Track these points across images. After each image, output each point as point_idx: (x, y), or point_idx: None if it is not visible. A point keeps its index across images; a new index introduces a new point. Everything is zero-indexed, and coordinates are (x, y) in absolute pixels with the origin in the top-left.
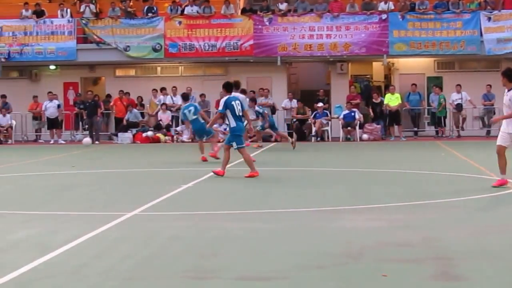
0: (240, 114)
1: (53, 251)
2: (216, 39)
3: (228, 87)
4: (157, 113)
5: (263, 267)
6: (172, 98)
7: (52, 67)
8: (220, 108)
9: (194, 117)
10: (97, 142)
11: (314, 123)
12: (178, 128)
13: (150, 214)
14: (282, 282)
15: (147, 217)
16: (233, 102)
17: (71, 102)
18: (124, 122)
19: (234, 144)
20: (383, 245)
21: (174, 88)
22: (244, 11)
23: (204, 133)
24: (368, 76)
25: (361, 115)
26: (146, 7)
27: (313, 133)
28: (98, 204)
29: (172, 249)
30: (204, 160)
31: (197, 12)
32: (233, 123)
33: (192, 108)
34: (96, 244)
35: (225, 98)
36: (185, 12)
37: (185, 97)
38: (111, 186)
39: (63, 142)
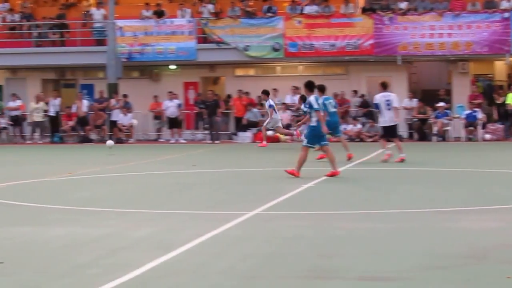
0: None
1: (174, 249)
2: (336, 38)
3: (311, 87)
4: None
5: (384, 267)
6: (291, 97)
7: (172, 66)
8: (316, 106)
9: (334, 110)
10: (217, 141)
11: (435, 122)
12: (300, 128)
13: (271, 213)
14: (403, 283)
15: (268, 217)
16: (326, 102)
17: (192, 102)
18: (244, 121)
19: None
20: (507, 246)
21: (294, 88)
22: (364, 10)
23: (335, 131)
24: (490, 75)
25: (484, 115)
26: (265, 7)
27: (435, 132)
28: (219, 203)
29: (292, 249)
30: (350, 157)
31: (317, 11)
32: (314, 122)
33: (332, 101)
34: (217, 243)
35: (313, 97)
36: (305, 11)
37: (322, 88)
38: (232, 185)
39: (183, 141)
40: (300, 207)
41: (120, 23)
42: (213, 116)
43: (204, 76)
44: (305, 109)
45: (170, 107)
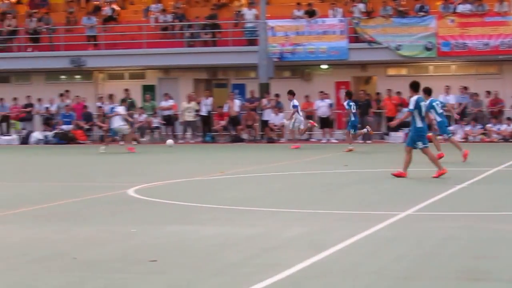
0: (424, 115)
1: (326, 249)
2: (489, 37)
3: (416, 87)
4: (427, 112)
5: None
6: (444, 97)
7: (324, 66)
8: (411, 107)
9: (441, 111)
10: (368, 141)
11: None
12: (452, 128)
13: (423, 214)
14: None
15: (421, 217)
16: (421, 103)
17: (343, 101)
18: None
19: (419, 144)
20: None
21: (446, 87)
22: None
23: (444, 131)
24: None
25: None
26: (417, 6)
27: None
28: (371, 204)
29: (445, 250)
30: (441, 156)
31: (470, 10)
32: (419, 123)
33: (439, 102)
34: (369, 243)
35: (415, 97)
36: (458, 10)
37: (428, 91)
38: (384, 186)
39: (335, 141)
40: (453, 208)
41: (271, 23)
42: (364, 116)
43: (355, 75)
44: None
45: (322, 107)
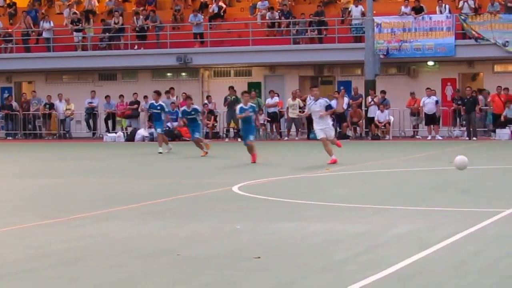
0: None
1: (431, 246)
2: None
3: None
4: None
5: None
6: None
7: (430, 63)
8: None
9: None
10: (474, 138)
11: None
12: None
13: None
14: None
15: None
16: None
17: (449, 98)
18: (502, 118)
19: None
20: None
21: None
22: None
23: None
24: None
25: None
26: None
27: None
28: (477, 200)
29: None
30: None
31: None
32: None
33: None
34: (476, 241)
35: None
36: None
37: None
38: (491, 183)
39: (440, 138)
40: None
41: (378, 19)
42: (471, 112)
43: (462, 72)
44: None
45: (428, 104)
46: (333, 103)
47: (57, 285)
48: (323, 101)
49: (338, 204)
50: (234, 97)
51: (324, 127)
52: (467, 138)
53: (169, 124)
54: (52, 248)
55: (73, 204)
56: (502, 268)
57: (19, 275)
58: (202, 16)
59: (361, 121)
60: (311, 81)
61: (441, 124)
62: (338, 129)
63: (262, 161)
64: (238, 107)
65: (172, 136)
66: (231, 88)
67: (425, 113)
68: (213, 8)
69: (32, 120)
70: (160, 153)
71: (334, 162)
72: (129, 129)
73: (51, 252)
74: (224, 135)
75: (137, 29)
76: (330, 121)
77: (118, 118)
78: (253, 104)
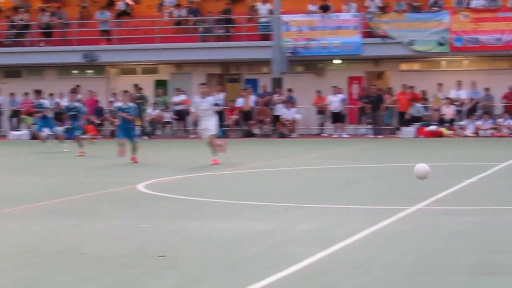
0: None
1: (336, 244)
2: (502, 32)
3: None
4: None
5: None
6: (456, 92)
7: (337, 61)
8: None
9: None
10: (380, 136)
11: None
12: (463, 122)
13: (433, 208)
14: None
15: (430, 212)
16: None
17: (355, 96)
18: (408, 116)
19: None
20: None
21: (458, 82)
22: None
23: None
24: None
25: None
26: (431, 1)
27: None
28: (380, 198)
29: (455, 244)
30: None
31: (483, 5)
32: None
33: None
34: (379, 238)
35: None
36: (471, 5)
37: None
38: (393, 180)
39: (346, 136)
40: (463, 202)
41: (285, 17)
42: (376, 110)
43: (368, 70)
44: None
45: (334, 102)
46: (240, 100)
47: None
48: (211, 99)
49: (243, 202)
50: (138, 94)
51: (205, 127)
52: (372, 136)
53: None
54: None
55: None
56: (406, 264)
57: None
58: (109, 13)
59: (267, 119)
60: (219, 79)
61: (347, 122)
62: (245, 127)
63: (168, 159)
64: (116, 105)
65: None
66: (135, 86)
67: (331, 111)
68: (120, 5)
69: None
70: (66, 151)
71: (215, 163)
72: (34, 127)
73: None
74: None
75: (42, 26)
76: (215, 120)
77: (22, 116)
78: (133, 105)
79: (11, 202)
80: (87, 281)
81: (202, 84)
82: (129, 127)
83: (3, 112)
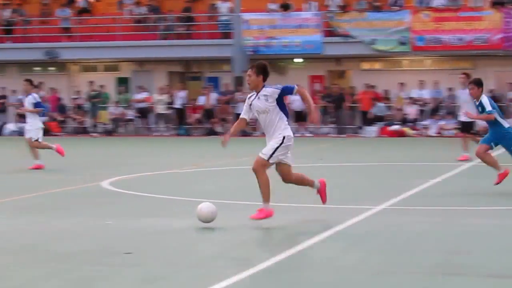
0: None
1: (301, 243)
2: (463, 32)
3: (480, 84)
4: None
5: None
6: (418, 91)
7: (298, 60)
8: (489, 108)
9: None
10: (343, 135)
11: None
12: (426, 122)
13: (398, 208)
14: None
15: (395, 211)
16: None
17: (318, 95)
18: (370, 115)
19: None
20: None
21: (421, 82)
22: (493, 4)
23: None
24: None
25: None
26: (392, 0)
27: None
28: (346, 198)
29: (419, 244)
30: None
31: (444, 4)
32: (506, 124)
33: None
34: (344, 238)
35: (486, 97)
36: (432, 5)
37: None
38: (359, 180)
39: (309, 134)
40: (428, 202)
41: (246, 16)
42: (339, 109)
43: (330, 69)
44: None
45: (296, 101)
46: (202, 99)
47: None
48: (31, 97)
49: (205, 200)
50: (94, 92)
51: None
52: (335, 135)
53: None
54: None
55: None
56: (370, 264)
57: None
58: (70, 11)
59: (230, 117)
60: (180, 76)
61: (308, 121)
62: (207, 125)
63: (132, 157)
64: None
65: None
66: (91, 83)
67: (293, 110)
68: (80, 2)
69: None
70: None
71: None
72: None
73: None
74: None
75: (3, 22)
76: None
77: None
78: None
79: None
80: (54, 277)
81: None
82: None
83: None
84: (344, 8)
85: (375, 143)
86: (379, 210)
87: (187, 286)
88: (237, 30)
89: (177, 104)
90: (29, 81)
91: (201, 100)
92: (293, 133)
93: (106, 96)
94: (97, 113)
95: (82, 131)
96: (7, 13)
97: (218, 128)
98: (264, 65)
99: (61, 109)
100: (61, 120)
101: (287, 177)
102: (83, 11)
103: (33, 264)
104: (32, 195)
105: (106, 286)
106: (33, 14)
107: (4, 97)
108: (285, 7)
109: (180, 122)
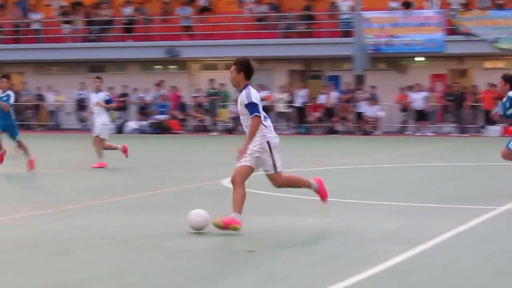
0: None
1: (423, 243)
2: None
3: (508, 80)
4: None
5: None
6: None
7: (419, 58)
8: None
9: None
10: (465, 134)
11: None
12: None
13: None
14: None
15: None
16: None
17: (439, 94)
18: (492, 115)
19: None
20: None
21: None
22: None
23: None
24: None
25: None
26: None
27: None
28: (468, 198)
29: None
30: None
31: None
32: None
33: None
34: (467, 238)
35: None
36: None
37: None
38: (481, 180)
39: (430, 134)
40: None
41: (367, 14)
42: (460, 109)
43: (452, 68)
44: None
45: (417, 99)
46: (323, 97)
47: (49, 275)
48: (103, 94)
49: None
50: (213, 90)
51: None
52: (457, 134)
53: (158, 116)
54: (44, 238)
55: (62, 196)
56: (494, 266)
57: (11, 265)
58: (191, 9)
59: (350, 116)
60: (300, 75)
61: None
62: (327, 124)
63: None
64: None
65: (161, 128)
66: (212, 81)
67: (414, 109)
68: (201, 1)
69: (22, 112)
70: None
71: (100, 166)
72: (119, 121)
73: (44, 242)
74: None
75: (125, 21)
76: (106, 118)
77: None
78: (9, 93)
79: (97, 195)
80: (176, 274)
81: (97, 78)
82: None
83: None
84: (467, 6)
85: (498, 143)
86: (504, 211)
87: (309, 285)
88: (358, 28)
89: (298, 103)
90: (100, 78)
91: (322, 99)
92: (414, 132)
93: (226, 95)
94: (216, 111)
95: (202, 129)
96: (128, 10)
97: (339, 127)
98: (246, 61)
99: (182, 107)
100: (182, 118)
101: (277, 183)
102: (204, 9)
103: (155, 261)
104: (152, 192)
105: (228, 284)
106: (154, 12)
107: (125, 95)
108: (407, 5)
109: (300, 120)
